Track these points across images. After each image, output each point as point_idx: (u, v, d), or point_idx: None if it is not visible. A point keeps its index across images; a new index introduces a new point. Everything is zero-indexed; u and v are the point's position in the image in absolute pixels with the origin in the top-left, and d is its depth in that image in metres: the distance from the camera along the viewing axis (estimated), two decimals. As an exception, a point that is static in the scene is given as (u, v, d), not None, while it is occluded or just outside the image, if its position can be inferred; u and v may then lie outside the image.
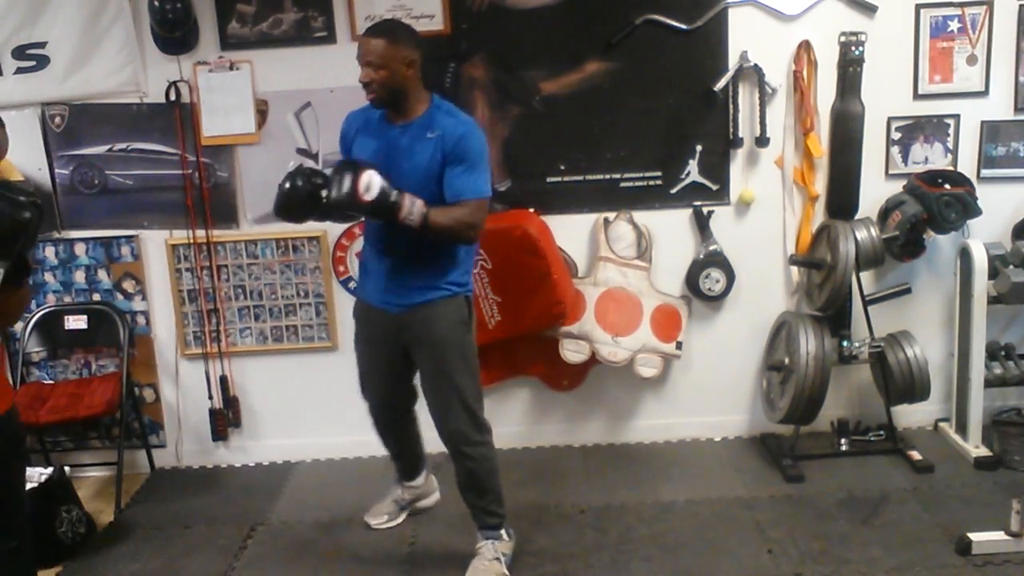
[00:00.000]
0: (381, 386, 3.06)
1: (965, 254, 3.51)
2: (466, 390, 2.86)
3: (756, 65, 3.51)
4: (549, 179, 3.66)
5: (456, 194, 2.68)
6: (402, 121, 2.75)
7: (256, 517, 3.43)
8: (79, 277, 3.79)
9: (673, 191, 3.66)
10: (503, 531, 2.97)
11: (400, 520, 3.30)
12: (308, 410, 3.87)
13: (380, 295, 2.86)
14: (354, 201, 2.56)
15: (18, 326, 3.79)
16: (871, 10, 3.51)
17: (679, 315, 3.69)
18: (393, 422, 3.16)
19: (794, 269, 3.72)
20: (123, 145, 3.66)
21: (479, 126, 2.82)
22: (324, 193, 2.62)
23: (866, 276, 3.64)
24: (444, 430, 2.90)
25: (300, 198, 2.70)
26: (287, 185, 2.71)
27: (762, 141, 3.58)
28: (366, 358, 3.03)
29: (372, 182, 2.56)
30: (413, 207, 2.60)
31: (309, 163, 3.46)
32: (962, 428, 3.61)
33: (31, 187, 2.08)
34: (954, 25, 3.52)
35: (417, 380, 2.99)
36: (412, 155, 2.71)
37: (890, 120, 3.60)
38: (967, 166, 3.61)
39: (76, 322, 3.76)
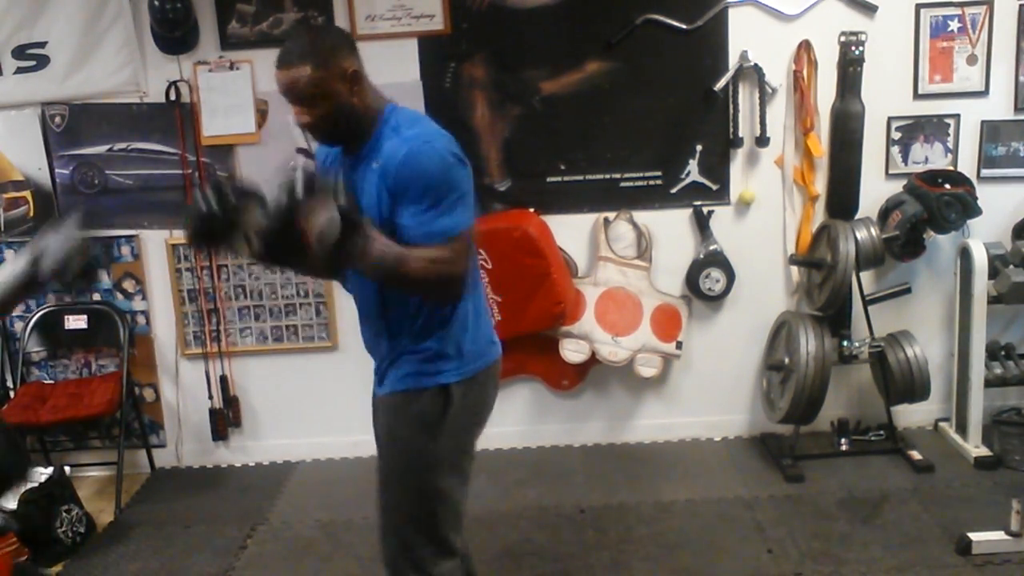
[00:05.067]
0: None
1: (965, 254, 3.51)
2: (407, 520, 2.10)
3: (756, 65, 3.51)
4: (549, 179, 3.66)
5: (418, 241, 1.91)
6: (355, 150, 2.06)
7: (256, 517, 3.43)
8: (79, 277, 3.80)
9: (673, 191, 3.66)
10: None
11: None
12: (308, 410, 3.87)
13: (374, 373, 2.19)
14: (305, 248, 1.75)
15: (18, 326, 3.80)
16: (871, 10, 3.51)
17: (679, 315, 3.69)
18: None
19: (794, 269, 3.72)
20: (123, 145, 3.66)
21: (442, 136, 1.98)
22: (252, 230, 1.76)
23: (866, 276, 3.63)
24: (382, 558, 2.16)
25: (208, 227, 1.79)
26: (196, 206, 1.80)
27: (762, 141, 3.58)
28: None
29: (331, 224, 1.74)
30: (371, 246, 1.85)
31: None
32: (962, 428, 3.61)
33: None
34: (954, 25, 3.52)
35: None
36: (364, 195, 2.01)
37: (890, 120, 3.60)
38: (967, 166, 3.61)
39: (76, 322, 3.77)
